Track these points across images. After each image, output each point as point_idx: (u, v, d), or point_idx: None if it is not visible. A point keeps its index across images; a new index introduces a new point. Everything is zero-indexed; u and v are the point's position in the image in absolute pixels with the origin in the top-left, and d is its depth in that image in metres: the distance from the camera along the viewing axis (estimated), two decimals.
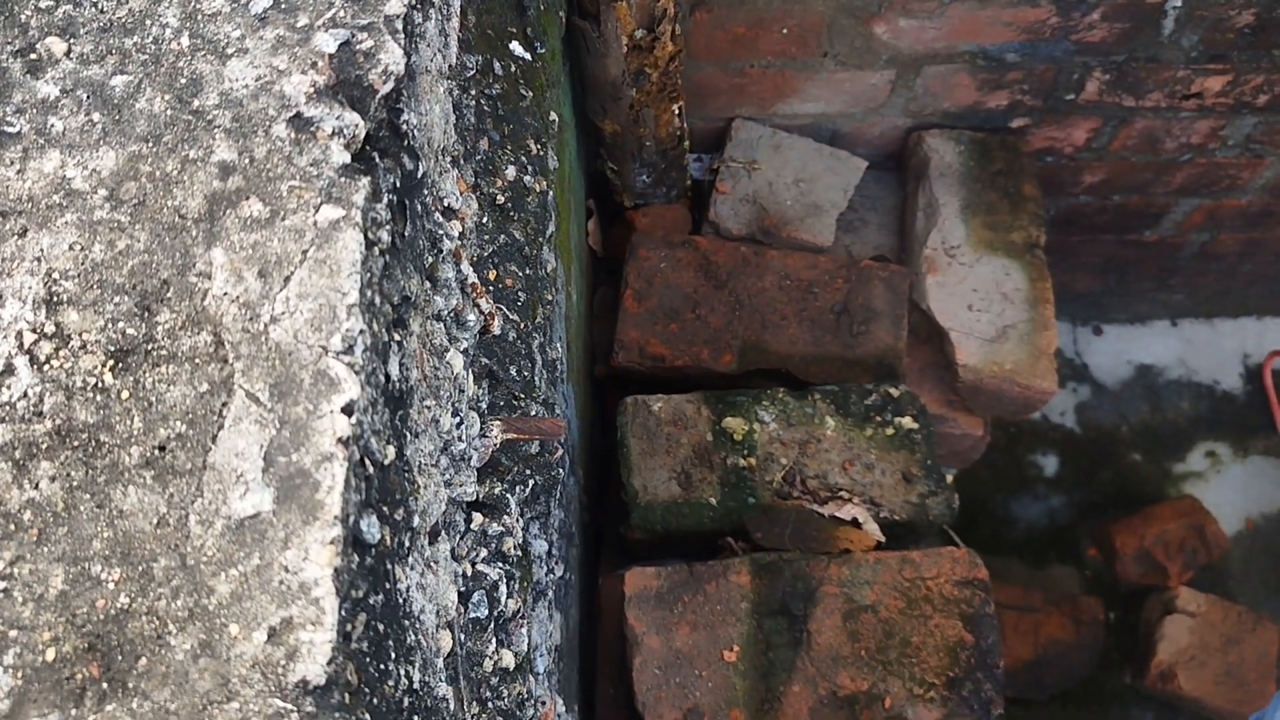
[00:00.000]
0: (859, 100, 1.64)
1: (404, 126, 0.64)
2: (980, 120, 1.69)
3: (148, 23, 0.61)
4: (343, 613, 0.51)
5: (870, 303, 1.56)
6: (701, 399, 1.44)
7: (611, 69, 1.32)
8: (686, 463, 1.40)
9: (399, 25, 0.62)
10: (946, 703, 1.24)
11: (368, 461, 0.55)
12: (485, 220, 0.97)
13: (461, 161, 0.92)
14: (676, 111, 1.47)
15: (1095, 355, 2.33)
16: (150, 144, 0.58)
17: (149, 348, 0.54)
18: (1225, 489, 2.22)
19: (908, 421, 1.43)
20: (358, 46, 0.60)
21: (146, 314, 0.55)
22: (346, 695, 0.50)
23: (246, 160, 0.58)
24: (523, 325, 0.98)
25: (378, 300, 0.59)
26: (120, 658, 0.50)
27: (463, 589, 0.80)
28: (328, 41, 0.60)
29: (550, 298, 1.08)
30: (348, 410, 0.53)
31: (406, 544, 0.62)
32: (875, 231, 1.75)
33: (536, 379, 0.99)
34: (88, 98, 0.59)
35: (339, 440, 0.52)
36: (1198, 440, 2.27)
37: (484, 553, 0.83)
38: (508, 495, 0.87)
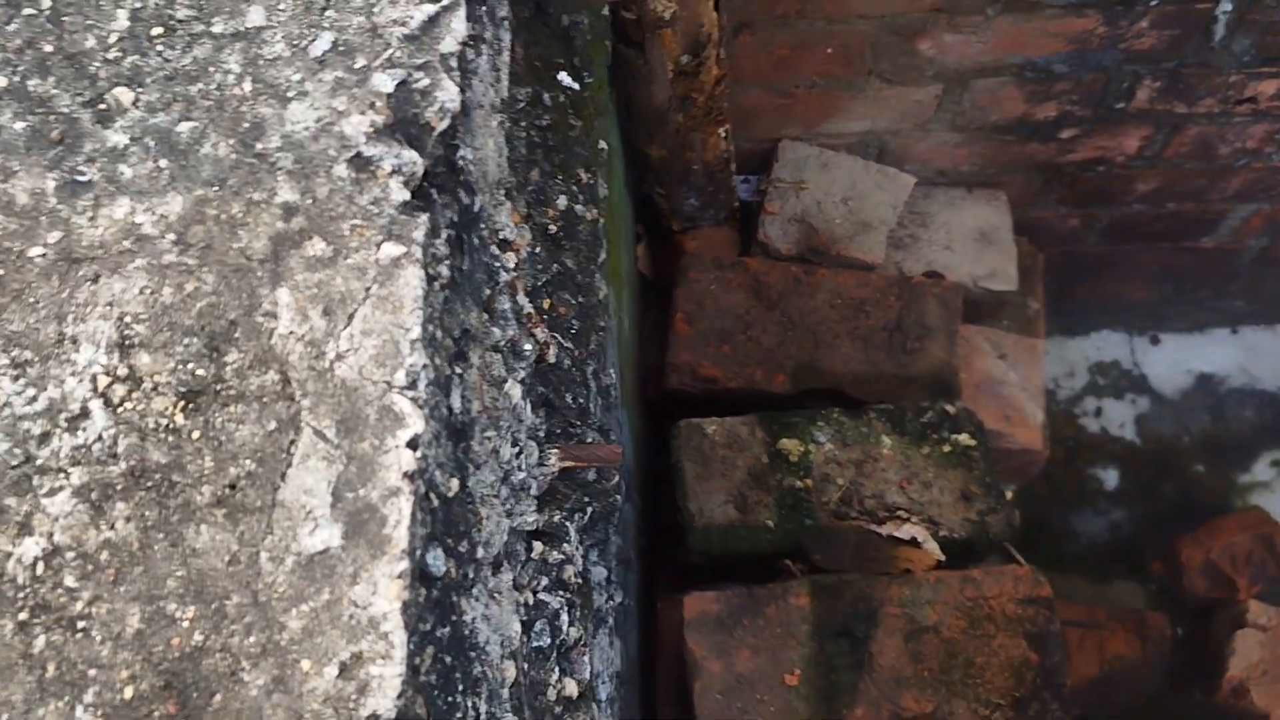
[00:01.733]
0: (906, 116, 1.64)
1: (460, 162, 0.65)
2: (1029, 132, 1.67)
3: (211, 70, 0.63)
4: (411, 646, 0.51)
5: (923, 319, 1.55)
6: (756, 421, 1.44)
7: (658, 95, 1.33)
8: (742, 485, 1.40)
9: (454, 63, 0.63)
10: None
11: (433, 495, 0.56)
12: (538, 250, 0.98)
13: (514, 193, 0.93)
14: (723, 134, 1.47)
15: (1154, 365, 2.29)
16: (215, 188, 0.60)
17: (218, 388, 0.56)
18: None
19: (965, 438, 1.41)
20: (414, 85, 0.61)
21: (215, 354, 0.56)
22: None
23: (309, 201, 0.59)
24: (577, 353, 0.98)
25: (439, 334, 0.59)
26: (196, 695, 0.50)
27: (525, 618, 0.81)
28: (385, 81, 0.61)
29: (603, 324, 1.08)
30: (413, 444, 0.54)
31: (471, 575, 0.63)
32: (926, 248, 1.74)
33: (592, 405, 0.99)
34: (155, 145, 0.61)
35: (405, 474, 0.53)
36: (1263, 450, 2.22)
37: (545, 581, 0.83)
38: (567, 523, 0.87)
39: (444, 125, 0.62)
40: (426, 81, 0.62)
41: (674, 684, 1.34)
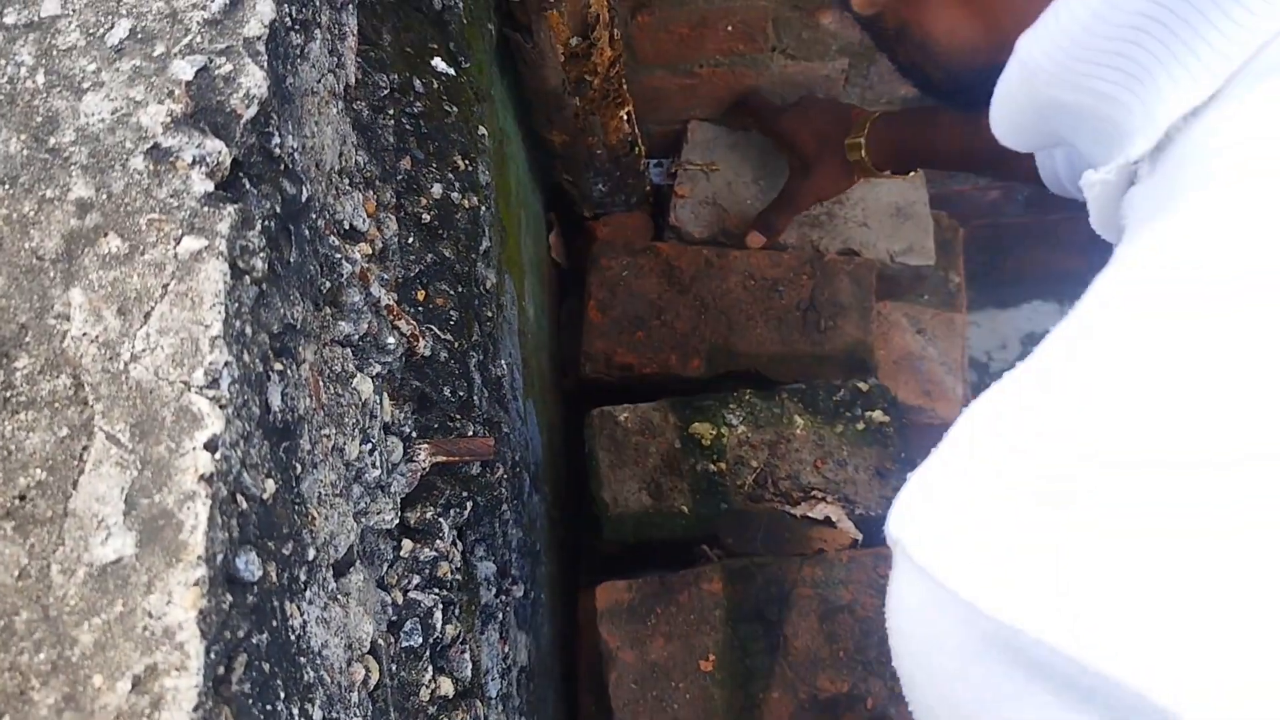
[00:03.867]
0: (813, 93, 1.62)
1: (277, 150, 0.62)
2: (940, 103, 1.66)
3: (2, 62, 0.60)
4: (212, 656, 0.49)
5: (837, 297, 1.53)
6: (668, 406, 1.42)
7: (550, 79, 1.31)
8: (656, 472, 1.38)
9: (260, 47, 0.60)
10: None
11: (240, 496, 0.53)
12: (411, 240, 0.95)
13: (378, 182, 0.90)
14: (625, 117, 1.45)
15: None
16: (6, 186, 0.57)
17: (7, 395, 0.53)
18: None
19: (878, 415, 1.40)
20: (216, 72, 0.59)
21: (5, 360, 0.54)
22: None
23: (104, 196, 0.56)
24: (457, 344, 0.96)
25: (249, 330, 0.57)
26: None
27: (394, 618, 0.79)
28: (184, 69, 0.58)
29: (490, 315, 1.06)
30: (211, 446, 0.51)
31: (302, 578, 0.61)
32: (843, 225, 1.73)
33: (476, 398, 0.97)
34: None
35: (201, 477, 0.51)
36: None
37: (416, 580, 0.81)
38: (440, 519, 0.85)
39: (251, 112, 0.59)
40: (229, 67, 0.59)
41: (593, 675, 1.32)
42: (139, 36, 0.60)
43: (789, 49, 1.53)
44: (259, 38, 0.60)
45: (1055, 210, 2.02)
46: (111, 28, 0.60)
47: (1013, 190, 1.93)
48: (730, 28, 1.47)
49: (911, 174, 1.53)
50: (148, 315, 0.54)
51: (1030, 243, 2.12)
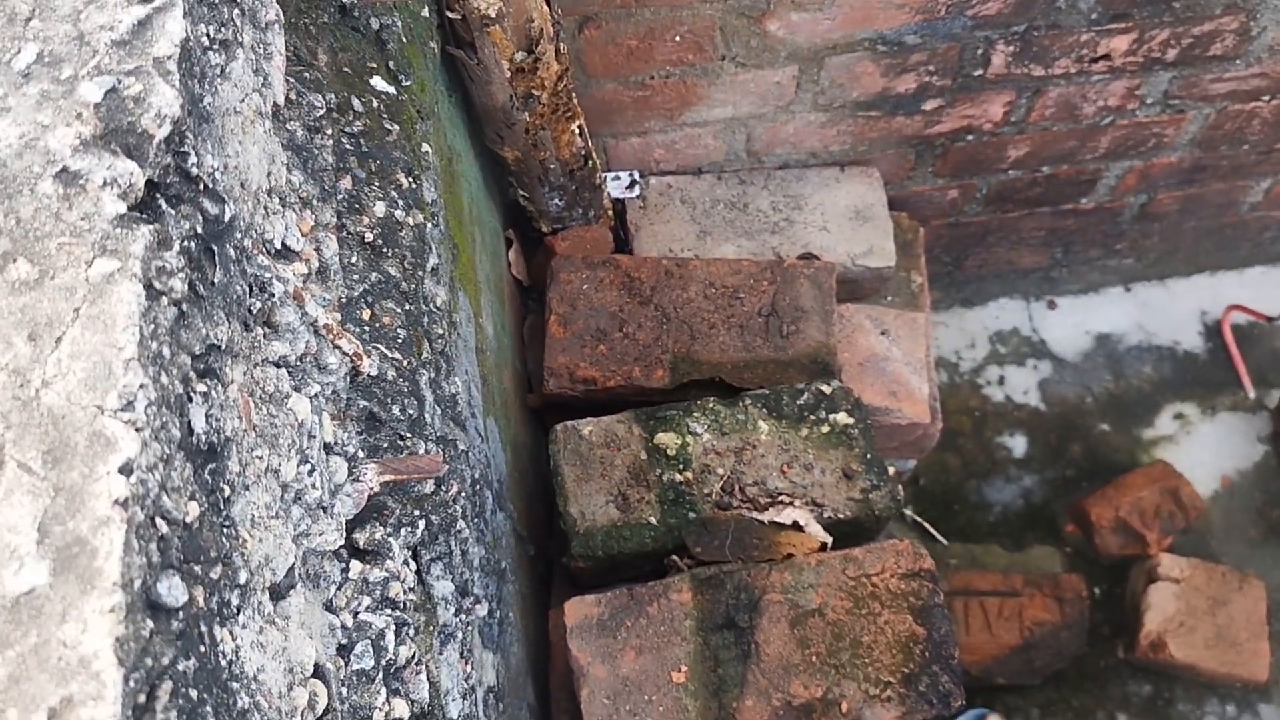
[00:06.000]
0: (767, 100, 1.62)
1: (195, 170, 0.62)
2: (892, 106, 1.67)
3: None
4: (131, 684, 0.48)
5: (798, 301, 1.53)
6: (632, 417, 1.41)
7: (498, 95, 1.30)
8: (622, 484, 1.37)
9: (170, 66, 0.59)
10: (905, 700, 1.21)
11: (160, 520, 0.52)
12: (354, 259, 0.95)
13: (316, 202, 0.89)
14: (576, 130, 1.45)
15: (1052, 330, 2.31)
16: None
17: None
18: (1197, 449, 2.19)
19: (843, 417, 1.40)
20: (125, 92, 0.58)
21: None
22: None
23: (12, 222, 0.55)
24: (405, 363, 0.95)
25: (168, 351, 0.56)
26: None
27: (344, 641, 0.77)
28: (92, 91, 0.58)
29: (441, 332, 1.05)
30: (125, 470, 0.50)
31: (234, 602, 0.59)
32: (803, 230, 1.73)
33: (428, 416, 0.96)
34: None
35: (116, 502, 0.50)
36: (1164, 403, 2.24)
37: (367, 601, 0.80)
38: (390, 539, 0.84)
39: (164, 132, 0.58)
40: (139, 87, 0.58)
41: (566, 692, 1.31)
42: (46, 60, 0.59)
43: (738, 57, 1.53)
44: (169, 57, 0.60)
45: (1013, 207, 2.03)
46: (18, 53, 0.59)
47: (971, 188, 1.94)
48: (678, 38, 1.48)
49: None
50: (59, 340, 0.53)
51: (992, 241, 2.13)
